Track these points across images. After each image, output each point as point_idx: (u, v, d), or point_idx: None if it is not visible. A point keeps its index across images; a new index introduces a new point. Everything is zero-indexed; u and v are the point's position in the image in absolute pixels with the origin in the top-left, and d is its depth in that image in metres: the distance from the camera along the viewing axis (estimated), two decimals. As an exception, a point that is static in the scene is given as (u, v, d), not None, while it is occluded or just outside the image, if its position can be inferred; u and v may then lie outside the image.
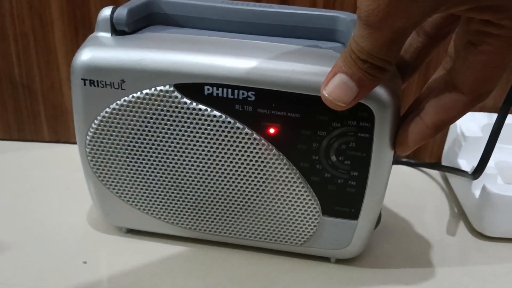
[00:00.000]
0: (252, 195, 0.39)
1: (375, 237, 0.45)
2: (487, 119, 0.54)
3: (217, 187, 0.39)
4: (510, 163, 0.53)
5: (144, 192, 0.40)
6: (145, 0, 0.39)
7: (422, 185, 0.56)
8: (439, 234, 0.48)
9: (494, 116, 0.50)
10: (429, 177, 0.57)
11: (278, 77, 0.34)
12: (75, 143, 0.39)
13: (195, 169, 0.38)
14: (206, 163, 0.38)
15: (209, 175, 0.38)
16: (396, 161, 0.58)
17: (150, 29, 0.39)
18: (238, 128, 0.36)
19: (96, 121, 0.38)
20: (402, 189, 0.54)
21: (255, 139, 0.36)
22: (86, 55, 0.36)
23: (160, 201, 0.41)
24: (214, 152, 0.37)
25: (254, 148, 0.36)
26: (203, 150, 0.37)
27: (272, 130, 0.36)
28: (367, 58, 0.29)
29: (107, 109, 0.37)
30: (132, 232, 0.45)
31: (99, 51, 0.36)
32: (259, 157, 0.37)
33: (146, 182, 0.40)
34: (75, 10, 0.51)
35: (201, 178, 0.39)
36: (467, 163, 0.51)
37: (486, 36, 0.29)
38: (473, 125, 0.53)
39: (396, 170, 0.57)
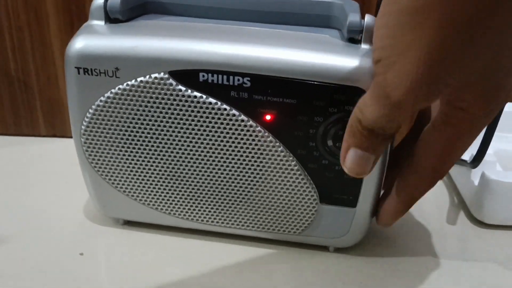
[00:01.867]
0: (248, 184, 0.38)
1: (374, 226, 0.45)
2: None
3: (213, 176, 0.38)
4: (509, 152, 0.53)
5: (140, 182, 0.40)
6: (140, -12, 0.39)
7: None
8: (438, 223, 0.47)
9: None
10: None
11: (274, 62, 0.33)
12: (71, 137, 0.39)
13: (191, 158, 0.38)
14: (202, 151, 0.37)
15: (205, 163, 0.38)
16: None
17: (144, 17, 0.39)
18: (233, 115, 0.35)
19: (90, 110, 0.37)
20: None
21: (251, 126, 0.36)
22: (80, 43, 0.36)
23: (157, 191, 0.40)
24: (210, 139, 0.37)
25: (250, 135, 0.36)
26: (198, 138, 0.37)
27: (268, 117, 0.35)
28: (377, 129, 0.29)
29: (102, 98, 0.36)
30: (129, 223, 0.44)
31: (93, 39, 0.36)
32: (255, 145, 0.36)
33: (142, 172, 0.40)
34: (70, 4, 0.51)
35: (197, 166, 0.38)
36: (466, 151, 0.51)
37: (449, 117, 0.30)
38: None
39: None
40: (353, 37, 0.34)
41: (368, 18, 0.34)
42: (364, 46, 0.34)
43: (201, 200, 0.40)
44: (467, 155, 0.49)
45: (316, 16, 0.38)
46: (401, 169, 0.35)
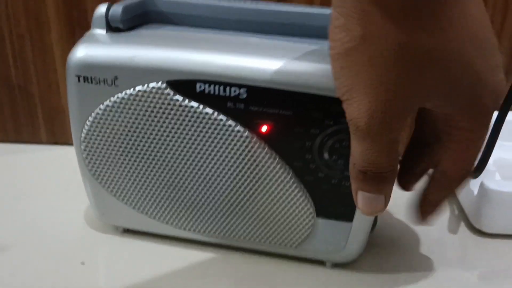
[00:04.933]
0: (245, 195, 0.38)
1: (374, 238, 0.45)
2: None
3: (210, 186, 0.38)
4: (509, 160, 0.52)
5: (139, 191, 0.40)
6: (142, -2, 0.39)
7: (420, 182, 0.55)
8: (438, 232, 0.47)
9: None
10: (427, 175, 0.56)
11: (270, 74, 0.33)
12: (72, 144, 0.39)
13: (188, 167, 0.38)
14: (199, 161, 0.37)
15: (202, 173, 0.38)
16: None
17: (145, 27, 0.39)
18: (230, 125, 0.35)
19: (90, 118, 0.37)
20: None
21: (247, 137, 0.36)
22: (81, 52, 0.36)
23: (154, 200, 0.40)
24: (207, 150, 0.37)
25: (246, 146, 0.36)
26: (195, 148, 0.37)
27: (264, 128, 0.35)
28: (369, 171, 0.30)
29: (101, 106, 0.37)
30: (129, 231, 0.44)
31: (93, 48, 0.36)
32: (252, 156, 0.36)
33: (140, 180, 0.40)
34: (72, 10, 0.51)
35: (193, 176, 0.38)
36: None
37: (450, 134, 0.31)
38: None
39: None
40: None
41: None
42: None
43: (198, 210, 0.40)
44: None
45: (316, 27, 0.38)
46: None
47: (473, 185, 0.47)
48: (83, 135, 0.38)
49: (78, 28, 0.52)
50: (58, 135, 0.58)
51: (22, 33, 0.53)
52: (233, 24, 0.39)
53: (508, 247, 0.45)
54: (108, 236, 0.44)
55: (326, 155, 0.36)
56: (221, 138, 0.36)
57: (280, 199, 0.38)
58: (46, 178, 0.53)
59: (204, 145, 0.36)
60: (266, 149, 0.36)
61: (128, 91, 0.36)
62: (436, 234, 0.47)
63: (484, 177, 0.45)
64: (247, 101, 0.34)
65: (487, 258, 0.44)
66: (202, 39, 0.37)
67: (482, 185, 0.45)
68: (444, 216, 0.50)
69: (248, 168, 0.37)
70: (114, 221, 0.44)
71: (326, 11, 0.38)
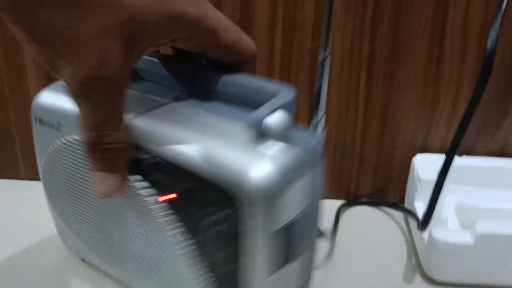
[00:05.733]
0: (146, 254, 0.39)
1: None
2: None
3: (127, 242, 0.40)
4: (469, 205, 0.52)
5: (81, 227, 0.43)
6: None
7: (382, 226, 0.56)
8: (394, 281, 0.48)
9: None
10: (390, 218, 0.57)
11: (166, 149, 0.33)
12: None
13: (110, 219, 0.40)
14: (113, 211, 0.39)
15: (117, 224, 0.39)
16: (357, 201, 0.59)
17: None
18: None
19: (44, 156, 0.41)
20: (363, 230, 0.54)
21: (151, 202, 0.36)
22: (40, 96, 0.40)
23: (92, 239, 0.43)
24: (118, 206, 0.38)
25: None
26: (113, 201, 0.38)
27: (167, 197, 0.35)
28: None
29: (51, 147, 0.40)
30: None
31: (49, 95, 0.40)
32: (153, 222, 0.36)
33: (81, 218, 0.42)
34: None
35: (115, 227, 0.40)
36: (423, 206, 0.51)
37: None
38: (429, 167, 0.52)
39: (357, 210, 0.57)
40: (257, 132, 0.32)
41: (278, 114, 0.32)
42: (268, 143, 0.32)
43: (121, 259, 0.42)
44: (423, 209, 0.49)
45: (254, 100, 0.35)
46: None
47: (425, 233, 0.47)
48: (40, 169, 0.43)
49: (52, 73, 0.55)
50: (36, 171, 0.61)
51: (2, 78, 0.56)
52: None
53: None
54: (81, 271, 0.47)
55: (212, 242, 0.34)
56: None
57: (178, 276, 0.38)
58: (25, 213, 0.55)
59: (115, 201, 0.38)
60: (171, 217, 0.35)
61: (68, 138, 0.39)
62: (392, 282, 0.47)
63: (434, 226, 0.45)
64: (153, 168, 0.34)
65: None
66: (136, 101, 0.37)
67: (430, 235, 0.45)
68: (402, 262, 0.50)
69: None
70: (74, 251, 0.47)
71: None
